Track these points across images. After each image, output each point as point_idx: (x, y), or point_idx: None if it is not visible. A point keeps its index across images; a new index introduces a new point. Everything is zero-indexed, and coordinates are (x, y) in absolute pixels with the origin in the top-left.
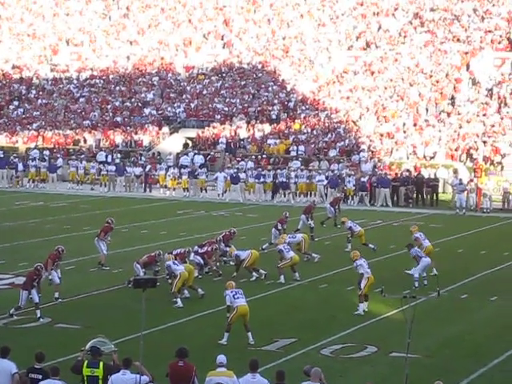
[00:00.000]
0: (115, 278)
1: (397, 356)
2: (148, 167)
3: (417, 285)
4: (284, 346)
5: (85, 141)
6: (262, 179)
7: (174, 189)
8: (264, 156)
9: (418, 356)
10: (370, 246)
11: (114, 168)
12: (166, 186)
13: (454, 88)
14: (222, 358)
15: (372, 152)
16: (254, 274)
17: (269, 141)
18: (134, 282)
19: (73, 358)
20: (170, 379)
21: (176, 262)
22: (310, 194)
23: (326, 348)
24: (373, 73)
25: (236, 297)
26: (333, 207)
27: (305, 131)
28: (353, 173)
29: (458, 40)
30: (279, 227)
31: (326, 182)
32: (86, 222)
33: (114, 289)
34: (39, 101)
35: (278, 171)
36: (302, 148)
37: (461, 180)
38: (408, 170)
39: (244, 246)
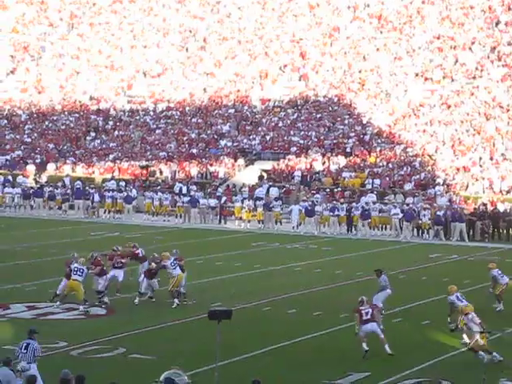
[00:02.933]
0: (190, 310)
1: None
2: (223, 199)
3: None
4: (357, 380)
5: (161, 172)
6: (336, 212)
7: (249, 221)
8: (339, 189)
9: None
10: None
11: (188, 199)
12: (241, 218)
13: None
14: None
15: (448, 186)
16: (175, 300)
17: (344, 173)
18: (210, 313)
19: None
20: None
21: (174, 263)
22: (385, 227)
23: (401, 383)
24: (449, 106)
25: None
26: None
27: (380, 164)
28: (428, 206)
29: None
30: None
31: (401, 215)
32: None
33: (188, 320)
34: (116, 132)
35: (354, 204)
36: (377, 181)
37: None
38: (484, 204)
39: (319, 279)
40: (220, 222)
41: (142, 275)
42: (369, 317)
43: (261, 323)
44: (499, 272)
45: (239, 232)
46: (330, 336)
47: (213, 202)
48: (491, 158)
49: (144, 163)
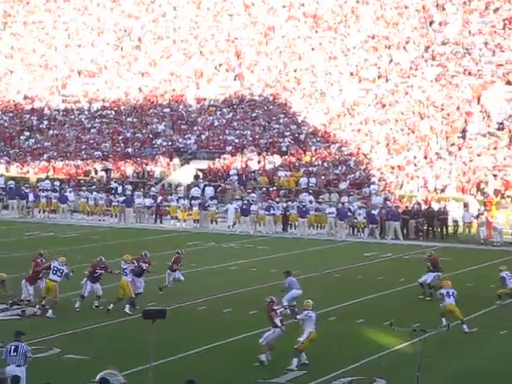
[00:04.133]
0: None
1: None
2: (159, 198)
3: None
4: (294, 378)
5: (96, 172)
6: (271, 211)
7: (185, 220)
8: (275, 188)
9: None
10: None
11: (123, 199)
12: (176, 218)
13: (465, 121)
14: None
15: (383, 185)
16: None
17: (279, 173)
18: (144, 313)
19: None
20: None
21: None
22: (320, 226)
23: (336, 381)
24: (384, 105)
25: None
26: None
27: (315, 163)
28: (363, 205)
29: (470, 73)
30: None
31: (335, 214)
32: (96, 252)
33: (122, 320)
34: (50, 131)
35: (290, 203)
36: (312, 180)
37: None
38: (418, 203)
39: (254, 278)
40: (156, 221)
41: (85, 278)
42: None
43: (196, 322)
44: (508, 274)
45: (175, 231)
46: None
47: (148, 201)
48: (425, 157)
49: (104, 167)
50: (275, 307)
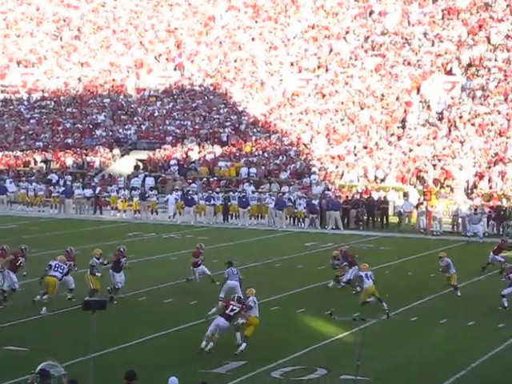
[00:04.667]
0: (64, 301)
1: (346, 379)
2: (98, 189)
3: None
4: (234, 368)
5: (35, 162)
6: (212, 201)
7: (125, 211)
8: (215, 178)
9: (368, 379)
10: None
11: (63, 190)
12: (116, 208)
13: (405, 111)
14: (173, 381)
15: (323, 174)
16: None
17: (220, 163)
18: (84, 303)
19: (21, 381)
20: None
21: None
22: (261, 216)
23: (277, 370)
24: (324, 95)
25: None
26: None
27: (256, 153)
28: (304, 195)
29: (409, 64)
30: None
31: (275, 204)
32: (37, 244)
33: (64, 311)
34: None
35: (230, 193)
36: (253, 170)
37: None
38: (359, 193)
39: None
40: (95, 212)
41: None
42: (231, 314)
43: (137, 313)
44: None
45: (115, 222)
46: (205, 325)
47: (88, 192)
48: (365, 147)
49: (44, 157)
50: (232, 302)
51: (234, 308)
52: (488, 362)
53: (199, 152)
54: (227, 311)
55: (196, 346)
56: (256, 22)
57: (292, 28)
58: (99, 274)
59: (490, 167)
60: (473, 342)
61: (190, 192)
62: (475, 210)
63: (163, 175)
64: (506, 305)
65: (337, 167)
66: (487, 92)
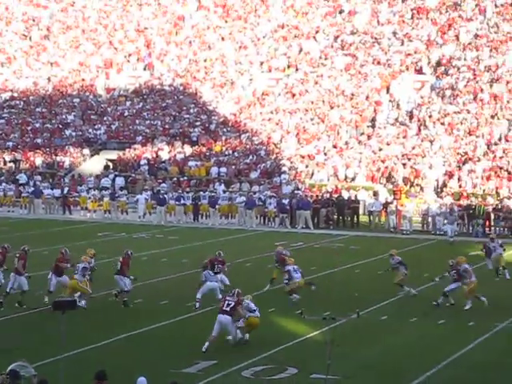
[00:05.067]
0: (35, 302)
1: (317, 378)
2: (66, 189)
3: None
4: (205, 368)
5: (4, 163)
6: (182, 201)
7: (95, 211)
8: (185, 178)
9: (339, 378)
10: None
11: (32, 190)
12: (86, 208)
13: (375, 110)
14: (142, 381)
15: (293, 174)
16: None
17: (190, 163)
18: (54, 303)
19: None
20: None
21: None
22: (232, 215)
23: (247, 370)
24: (294, 95)
25: None
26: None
27: (226, 153)
28: (274, 195)
29: (379, 63)
30: None
31: (245, 203)
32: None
33: (35, 311)
34: None
35: (201, 193)
36: (223, 170)
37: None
38: (329, 192)
39: (165, 269)
40: (64, 212)
41: (51, 272)
42: (227, 309)
43: (108, 313)
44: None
45: (85, 222)
46: (176, 325)
47: (56, 192)
48: (335, 146)
49: (13, 157)
50: (228, 297)
51: (230, 302)
52: (458, 361)
53: (169, 152)
54: (224, 307)
55: (168, 345)
56: (226, 21)
57: (262, 27)
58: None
59: (459, 166)
60: (443, 340)
61: (161, 192)
62: (450, 210)
63: (133, 175)
64: (439, 302)
65: (307, 166)
66: (456, 91)
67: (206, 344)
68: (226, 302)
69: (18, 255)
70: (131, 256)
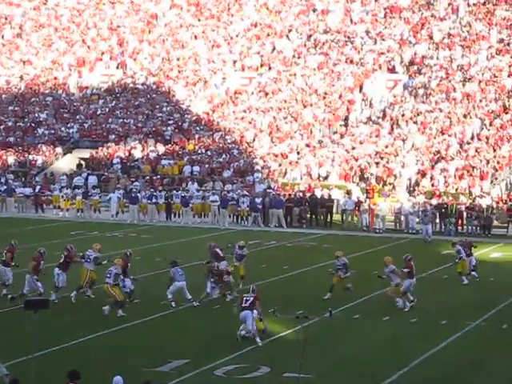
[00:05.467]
0: (5, 301)
1: (290, 376)
2: (38, 188)
3: None
4: (177, 366)
5: None
6: (154, 200)
7: (68, 210)
8: (158, 176)
9: (312, 376)
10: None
11: (4, 188)
12: (59, 207)
13: (348, 109)
14: (118, 380)
15: (266, 173)
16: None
17: (163, 161)
18: (25, 303)
19: None
20: None
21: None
22: (205, 214)
23: (220, 369)
24: (267, 94)
25: None
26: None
27: (199, 152)
28: (247, 193)
29: (352, 62)
30: None
31: (219, 202)
32: None
33: (6, 310)
34: None
35: (174, 192)
36: (196, 168)
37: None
38: (302, 191)
39: (138, 267)
40: (37, 210)
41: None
42: (247, 304)
43: (80, 312)
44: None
45: (58, 221)
46: (149, 324)
47: (28, 190)
48: (308, 145)
49: None
50: (245, 295)
51: (248, 298)
52: (430, 359)
53: (142, 150)
54: (242, 304)
55: (140, 343)
56: (199, 20)
57: (235, 26)
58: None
59: (432, 165)
60: (415, 339)
61: (134, 190)
62: (425, 210)
63: (106, 174)
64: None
65: (280, 165)
66: (429, 90)
67: (242, 333)
68: (244, 299)
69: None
70: (130, 256)
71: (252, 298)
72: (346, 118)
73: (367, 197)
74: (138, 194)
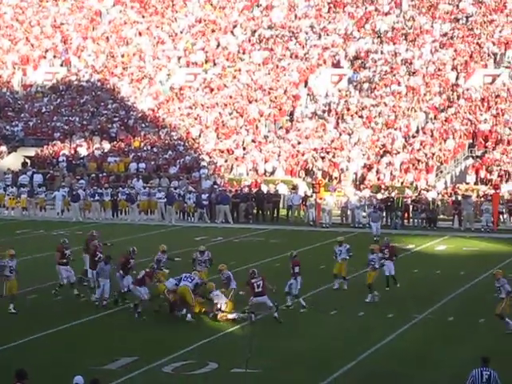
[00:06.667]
0: None
1: (238, 372)
2: None
3: None
4: (125, 364)
5: None
6: (97, 197)
7: (13, 208)
8: (104, 174)
9: (260, 371)
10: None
11: None
12: (4, 206)
13: (293, 104)
14: (79, 380)
15: (212, 168)
16: None
17: (109, 159)
18: None
19: None
20: None
21: None
22: (151, 211)
23: (168, 365)
24: (212, 90)
25: None
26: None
27: (145, 149)
28: (193, 189)
29: (296, 57)
30: None
31: (165, 199)
32: None
33: None
34: None
35: (120, 189)
36: (142, 165)
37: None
38: (248, 186)
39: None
40: None
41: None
42: (260, 289)
43: (28, 311)
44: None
45: (3, 220)
46: (95, 322)
47: None
48: (254, 141)
49: None
50: (253, 280)
51: (258, 282)
52: (378, 352)
53: (88, 148)
54: (256, 290)
55: (86, 343)
56: (143, 16)
57: (179, 22)
58: (167, 271)
59: (378, 159)
60: (363, 332)
61: (76, 188)
62: (374, 207)
63: (51, 172)
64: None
65: (226, 161)
66: (374, 84)
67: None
68: (255, 284)
69: None
70: (133, 253)
71: (261, 281)
72: (292, 113)
73: (313, 191)
74: (80, 192)
